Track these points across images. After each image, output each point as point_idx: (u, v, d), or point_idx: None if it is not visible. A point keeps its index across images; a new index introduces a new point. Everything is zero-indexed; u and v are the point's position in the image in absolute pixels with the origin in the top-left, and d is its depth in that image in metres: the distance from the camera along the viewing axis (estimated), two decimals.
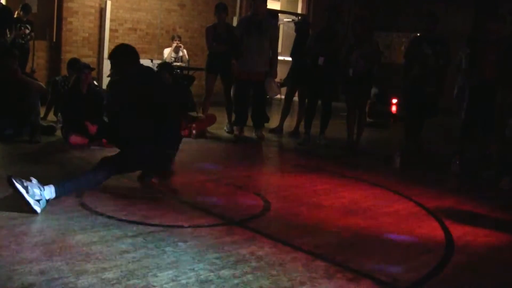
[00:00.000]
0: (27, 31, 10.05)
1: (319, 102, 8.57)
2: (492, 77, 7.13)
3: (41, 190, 4.12)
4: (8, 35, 9.06)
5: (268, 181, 5.81)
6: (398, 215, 4.91)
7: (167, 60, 10.98)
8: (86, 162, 6.16)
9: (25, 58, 9.91)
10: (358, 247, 4.02)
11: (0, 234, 3.59)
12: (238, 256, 3.58)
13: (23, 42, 10.00)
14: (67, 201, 4.49)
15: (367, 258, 3.79)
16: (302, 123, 8.79)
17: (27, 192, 4.03)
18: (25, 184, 4.06)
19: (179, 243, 3.71)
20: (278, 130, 9.47)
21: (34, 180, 4.14)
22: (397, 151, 7.56)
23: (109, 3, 12.42)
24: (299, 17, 10.21)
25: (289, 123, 9.71)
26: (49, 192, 4.18)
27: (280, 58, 9.94)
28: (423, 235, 4.41)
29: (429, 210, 5.12)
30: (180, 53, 11.72)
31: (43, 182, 4.19)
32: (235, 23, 12.11)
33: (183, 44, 11.99)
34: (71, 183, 4.43)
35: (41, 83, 7.87)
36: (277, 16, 9.59)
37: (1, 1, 9.11)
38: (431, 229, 4.59)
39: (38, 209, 4.06)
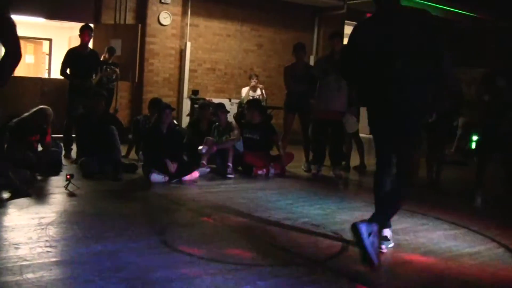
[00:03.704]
0: (114, 74, 10.44)
1: None
2: None
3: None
4: (94, 77, 9.45)
5: (346, 220, 5.75)
6: (480, 257, 4.76)
7: (244, 99, 11.13)
8: (167, 199, 6.31)
9: (110, 98, 10.27)
10: None
11: (85, 269, 3.70)
12: None
13: (109, 83, 10.37)
14: (151, 238, 4.61)
15: None
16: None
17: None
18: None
19: (258, 282, 3.72)
20: (360, 168, 9.41)
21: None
22: (479, 190, 7.33)
23: (189, 45, 12.79)
24: None
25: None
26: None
27: None
28: (507, 278, 4.26)
29: None
30: (258, 92, 11.82)
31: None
32: (312, 62, 12.22)
33: (261, 83, 12.11)
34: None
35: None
36: None
37: (90, 45, 9.52)
38: None
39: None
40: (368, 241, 3.79)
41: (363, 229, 3.81)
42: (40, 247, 4.14)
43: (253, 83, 11.73)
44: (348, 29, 15.47)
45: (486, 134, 7.38)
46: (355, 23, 14.90)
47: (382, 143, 4.56)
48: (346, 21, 15.06)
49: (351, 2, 14.08)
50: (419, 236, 5.26)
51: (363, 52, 4.41)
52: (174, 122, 8.31)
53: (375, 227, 3.89)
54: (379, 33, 4.35)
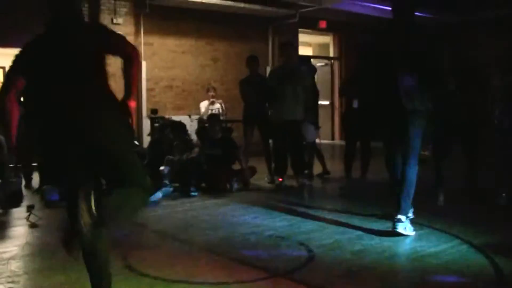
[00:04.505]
0: None
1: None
2: None
3: None
4: None
5: (311, 229, 5.78)
6: (445, 255, 4.82)
7: (204, 114, 11.09)
8: (130, 222, 6.25)
9: None
10: None
11: None
12: None
13: None
14: (114, 264, 4.54)
15: None
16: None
17: None
18: None
19: None
20: (323, 174, 9.47)
21: None
22: (440, 187, 7.40)
23: (144, 64, 12.72)
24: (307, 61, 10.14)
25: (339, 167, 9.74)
26: None
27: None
28: (472, 274, 4.31)
29: (476, 247, 5.01)
30: (217, 106, 11.74)
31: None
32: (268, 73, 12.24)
33: (219, 97, 12.04)
34: None
35: None
36: (309, 62, 9.67)
37: None
38: (480, 267, 4.48)
39: None
40: None
41: None
42: (2, 283, 4.07)
43: (211, 98, 11.65)
44: (302, 37, 15.66)
45: (442, 126, 7.46)
46: (309, 30, 14.93)
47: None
48: (299, 29, 15.19)
49: (303, 10, 14.18)
50: (383, 240, 5.31)
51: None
52: (135, 143, 8.25)
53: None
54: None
